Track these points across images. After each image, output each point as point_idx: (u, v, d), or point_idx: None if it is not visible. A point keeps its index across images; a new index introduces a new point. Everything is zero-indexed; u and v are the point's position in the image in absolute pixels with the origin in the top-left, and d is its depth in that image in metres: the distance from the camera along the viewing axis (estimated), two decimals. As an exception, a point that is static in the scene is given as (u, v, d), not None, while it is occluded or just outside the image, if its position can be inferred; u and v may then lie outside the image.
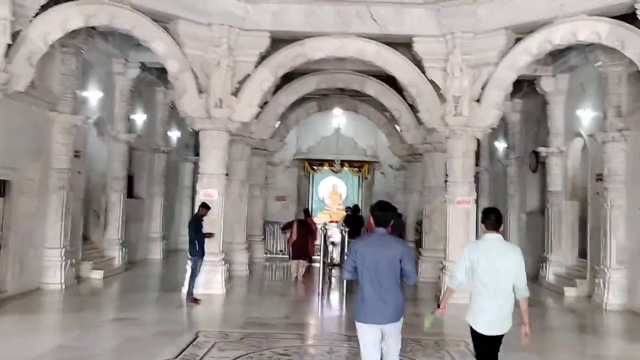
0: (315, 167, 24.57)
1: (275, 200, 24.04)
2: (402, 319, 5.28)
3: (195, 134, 19.61)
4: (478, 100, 12.17)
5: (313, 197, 25.32)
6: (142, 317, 9.85)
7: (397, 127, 19.14)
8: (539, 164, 17.13)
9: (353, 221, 16.53)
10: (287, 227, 15.79)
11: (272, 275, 16.85)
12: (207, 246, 11.89)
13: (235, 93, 12.40)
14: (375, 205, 5.56)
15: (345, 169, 24.60)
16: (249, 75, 12.48)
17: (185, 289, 11.55)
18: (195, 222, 11.33)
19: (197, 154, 17.89)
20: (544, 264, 15.43)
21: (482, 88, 12.16)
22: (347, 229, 14.78)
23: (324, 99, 19.21)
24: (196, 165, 20.16)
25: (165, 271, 16.45)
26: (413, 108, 15.81)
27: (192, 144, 22.00)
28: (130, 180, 17.66)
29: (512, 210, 18.48)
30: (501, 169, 19.11)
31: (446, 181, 16.15)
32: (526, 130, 18.09)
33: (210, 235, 11.56)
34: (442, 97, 12.38)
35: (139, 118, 17.13)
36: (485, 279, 5.21)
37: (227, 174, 12.83)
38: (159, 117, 18.69)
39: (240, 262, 15.36)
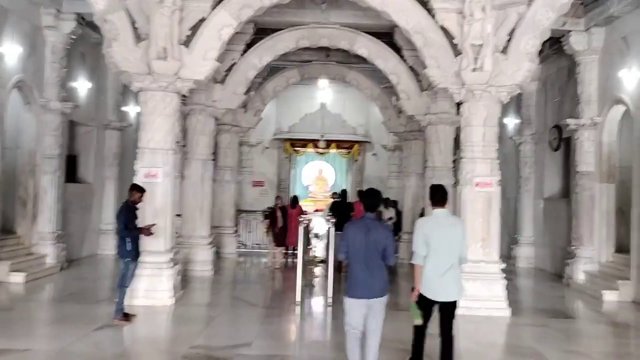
0: (298, 148, 21.62)
1: (252, 186, 21.14)
2: (386, 296, 5.70)
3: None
4: (504, 51, 9.34)
5: (296, 183, 22.40)
6: (35, 348, 6.89)
7: (394, 99, 16.35)
8: (561, 141, 14.34)
9: (341, 209, 13.69)
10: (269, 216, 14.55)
11: (243, 275, 13.96)
12: (146, 243, 9.02)
13: (187, 42, 9.48)
14: (366, 193, 6.08)
15: (332, 150, 21.67)
16: (203, 19, 9.56)
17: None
18: (126, 212, 8.37)
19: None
20: (570, 261, 12.67)
21: (509, 35, 9.34)
22: (333, 219, 11.98)
23: (306, 65, 16.32)
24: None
25: (113, 271, 13.44)
26: (414, 71, 12.97)
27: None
28: (72, 161, 14.75)
29: (525, 195, 15.78)
30: (512, 148, 16.28)
31: (454, 160, 13.49)
32: (546, 101, 15.29)
33: (148, 230, 8.58)
34: (456, 49, 9.55)
35: (82, 86, 14.11)
36: (438, 249, 5.70)
37: (183, 147, 9.89)
38: (111, 87, 15.63)
39: (203, 260, 12.47)
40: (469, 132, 9.56)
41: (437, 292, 5.72)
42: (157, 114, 9.43)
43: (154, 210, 9.27)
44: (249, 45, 13.02)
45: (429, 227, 5.79)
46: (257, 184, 21.11)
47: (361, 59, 15.90)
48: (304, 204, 20.12)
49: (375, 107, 19.67)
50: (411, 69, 12.94)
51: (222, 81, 12.91)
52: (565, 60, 13.73)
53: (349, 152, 21.68)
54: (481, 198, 9.43)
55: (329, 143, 21.12)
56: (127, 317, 8.26)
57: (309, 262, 11.86)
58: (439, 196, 5.95)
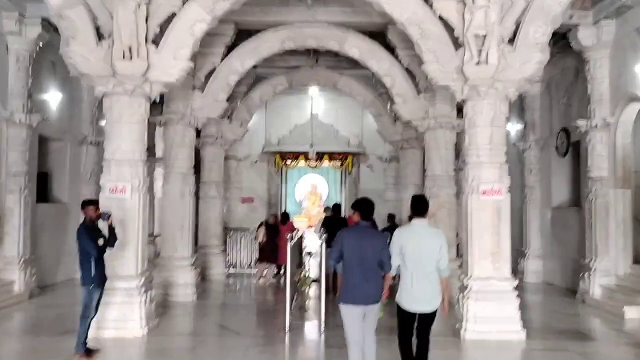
0: (288, 162, 20.53)
1: (241, 202, 20.02)
2: (380, 303, 5.77)
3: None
4: (510, 42, 8.36)
5: (287, 198, 21.30)
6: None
7: (388, 106, 15.39)
8: (570, 146, 13.35)
9: (334, 224, 12.66)
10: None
11: (229, 298, 12.84)
12: (116, 267, 7.98)
13: (155, 41, 8.48)
14: (361, 202, 6.13)
15: (325, 163, 20.59)
16: (174, 15, 8.56)
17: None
18: (85, 233, 7.30)
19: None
20: (585, 274, 11.62)
21: (516, 24, 8.37)
22: (325, 234, 10.96)
23: (294, 72, 15.32)
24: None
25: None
26: (410, 73, 11.99)
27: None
28: (44, 179, 13.68)
29: (531, 205, 14.75)
30: (515, 155, 15.22)
31: (456, 170, 12.50)
32: (551, 104, 14.32)
33: (104, 244, 7.47)
34: (457, 42, 8.57)
35: (53, 97, 13.08)
36: (412, 260, 5.69)
37: (159, 160, 8.85)
38: (86, 98, 14.58)
39: (184, 283, 11.38)
40: (473, 134, 8.55)
41: (413, 303, 5.71)
42: (124, 121, 8.41)
43: (122, 229, 8.21)
44: (230, 49, 12.02)
45: (404, 237, 5.79)
46: (246, 200, 19.99)
47: (353, 64, 14.95)
48: (297, 221, 19.13)
49: (370, 117, 18.74)
50: (407, 70, 11.94)
51: (202, 88, 11.90)
52: (572, 58, 12.78)
53: (342, 165, 20.62)
54: (489, 207, 8.40)
55: (320, 155, 20.05)
56: (89, 352, 7.20)
57: (301, 283, 10.77)
58: (420, 206, 5.93)
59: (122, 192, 8.29)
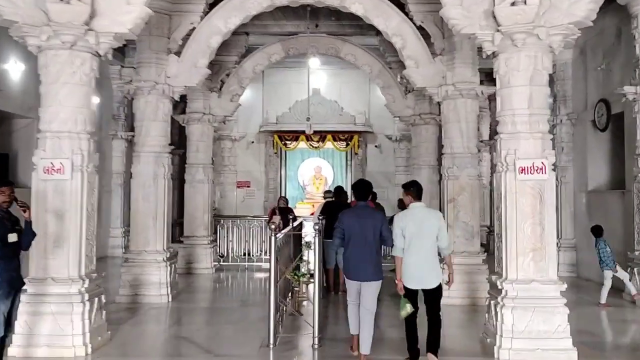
0: (288, 143, 18.68)
1: (237, 187, 18.26)
2: (380, 280, 6.22)
3: (129, 102, 14.01)
4: (556, -24, 6.49)
5: (287, 182, 19.45)
6: None
7: (398, 78, 13.54)
8: (610, 119, 11.44)
9: (336, 211, 10.84)
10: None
11: (212, 299, 10.96)
12: (49, 266, 6.25)
13: (101, -21, 6.67)
14: (356, 183, 6.68)
15: (329, 145, 18.73)
16: (126, -55, 6.73)
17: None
18: (-4, 224, 5.54)
19: (131, 128, 12.26)
20: (631, 270, 9.79)
21: (563, -48, 6.49)
22: (322, 222, 9.25)
23: (291, 39, 13.48)
24: (130, 143, 14.61)
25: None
26: (423, 31, 10.12)
27: (122, 114, 16.31)
28: (4, 161, 11.97)
29: (564, 188, 12.92)
30: (543, 132, 13.34)
31: (483, 141, 10.62)
32: (586, 72, 12.40)
33: (19, 240, 5.72)
34: (483, -20, 6.70)
35: (14, 69, 11.31)
36: (415, 241, 6.00)
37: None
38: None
39: (157, 282, 9.63)
40: (507, 96, 6.69)
41: (417, 281, 6.05)
42: (63, 82, 6.61)
43: (57, 218, 6.46)
44: (212, 6, 10.17)
45: (405, 220, 6.09)
46: (242, 184, 18.23)
47: (358, 29, 13.15)
48: (300, 207, 17.36)
49: (378, 92, 16.91)
50: (420, 29, 10.05)
51: (179, 53, 10.07)
52: (612, 16, 10.88)
53: (347, 145, 18.73)
54: (529, 190, 6.54)
55: (323, 136, 18.21)
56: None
57: (296, 280, 8.98)
58: (414, 191, 6.26)
59: (58, 171, 6.51)
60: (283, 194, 17.81)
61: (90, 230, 6.86)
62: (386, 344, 6.95)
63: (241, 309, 9.56)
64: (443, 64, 9.92)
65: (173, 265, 10.06)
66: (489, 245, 14.66)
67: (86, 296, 6.61)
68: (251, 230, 14.81)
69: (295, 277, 8.77)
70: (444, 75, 9.88)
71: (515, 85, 6.59)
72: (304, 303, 9.39)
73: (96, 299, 6.83)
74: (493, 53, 6.82)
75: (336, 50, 13.59)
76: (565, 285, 6.56)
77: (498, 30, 6.54)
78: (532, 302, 6.36)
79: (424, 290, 6.07)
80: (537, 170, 6.50)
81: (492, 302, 6.75)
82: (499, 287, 6.59)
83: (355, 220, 6.18)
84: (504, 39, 6.55)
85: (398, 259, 6.06)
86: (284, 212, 12.46)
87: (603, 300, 9.61)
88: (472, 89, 9.70)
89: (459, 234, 9.78)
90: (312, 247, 10.26)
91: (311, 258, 11.16)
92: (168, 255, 9.87)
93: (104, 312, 7.07)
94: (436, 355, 6.06)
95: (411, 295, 6.05)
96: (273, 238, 6.99)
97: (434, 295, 6.10)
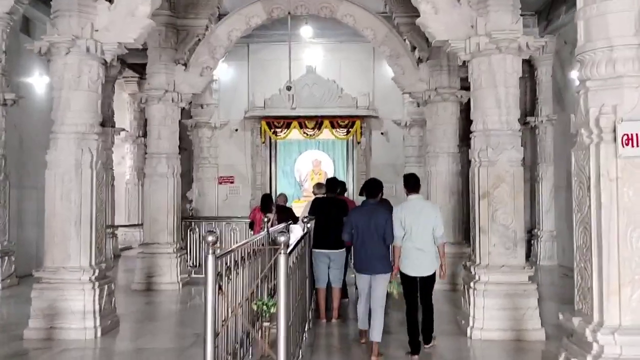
0: (278, 131, 15.98)
1: (219, 183, 15.67)
2: (389, 273, 6.41)
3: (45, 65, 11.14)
4: None
5: (278, 178, 16.77)
6: None
7: (409, 45, 10.94)
8: None
9: (327, 209, 8.20)
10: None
11: (159, 333, 7.77)
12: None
13: None
14: (367, 183, 6.98)
15: (326, 131, 16.04)
16: None
17: None
18: None
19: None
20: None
21: None
22: (310, 223, 6.88)
23: (274, -2, 10.86)
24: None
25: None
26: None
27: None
28: None
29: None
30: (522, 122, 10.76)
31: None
32: None
33: None
34: None
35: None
36: (413, 231, 6.30)
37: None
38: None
39: (79, 311, 6.93)
40: (601, 19, 4.01)
41: (414, 269, 6.38)
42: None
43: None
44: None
45: (404, 212, 6.37)
46: (225, 180, 15.61)
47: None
48: (296, 206, 14.72)
49: (383, 70, 14.37)
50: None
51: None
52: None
53: (348, 133, 16.00)
54: (636, 172, 3.88)
55: (319, 121, 15.53)
56: None
57: (265, 312, 6.32)
58: (412, 183, 6.56)
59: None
60: (273, 191, 15.21)
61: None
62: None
63: (191, 351, 6.71)
64: (472, 7, 7.22)
65: (106, 287, 7.33)
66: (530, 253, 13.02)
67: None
68: (232, 233, 12.22)
69: (265, 306, 6.07)
70: (472, 24, 7.19)
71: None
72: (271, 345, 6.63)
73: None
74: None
75: (331, 11, 10.97)
76: None
77: None
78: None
79: (419, 278, 6.43)
80: (653, 141, 3.82)
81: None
82: (589, 339, 3.89)
83: (363, 218, 6.48)
84: None
85: (397, 248, 6.38)
86: (283, 212, 9.88)
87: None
88: (515, 39, 6.98)
89: (495, 241, 7.09)
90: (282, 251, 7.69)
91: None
92: (97, 274, 7.16)
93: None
94: (430, 342, 6.59)
95: (410, 282, 6.41)
96: (210, 257, 4.08)
97: (428, 282, 6.51)
